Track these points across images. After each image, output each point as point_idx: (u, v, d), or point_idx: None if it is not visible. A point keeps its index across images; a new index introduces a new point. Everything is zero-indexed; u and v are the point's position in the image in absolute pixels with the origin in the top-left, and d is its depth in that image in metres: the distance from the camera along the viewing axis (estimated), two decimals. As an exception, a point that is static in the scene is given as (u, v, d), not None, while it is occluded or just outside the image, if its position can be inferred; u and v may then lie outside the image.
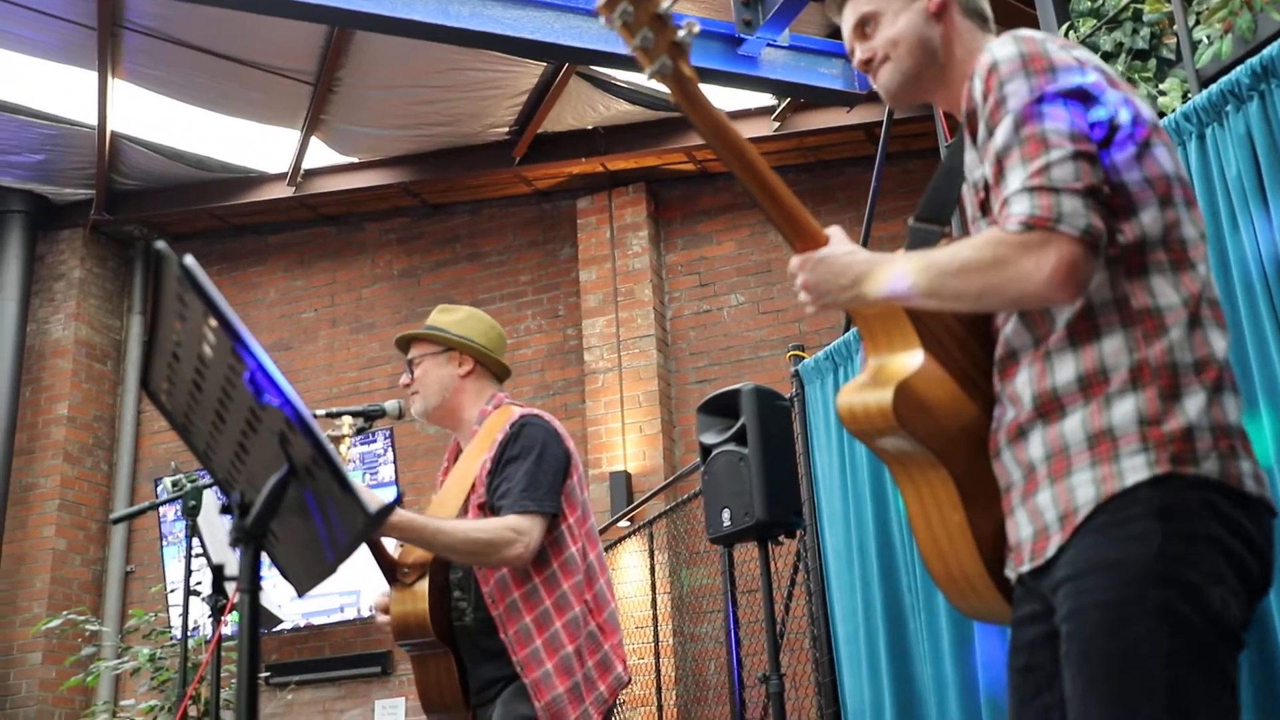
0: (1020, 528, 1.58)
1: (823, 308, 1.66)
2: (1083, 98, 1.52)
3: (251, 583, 1.49)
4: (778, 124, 7.36)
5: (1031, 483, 1.57)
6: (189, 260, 1.36)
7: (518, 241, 8.50)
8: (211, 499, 3.50)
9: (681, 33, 1.56)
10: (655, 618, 6.60)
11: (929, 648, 3.86)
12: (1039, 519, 1.55)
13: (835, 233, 1.66)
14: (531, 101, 7.41)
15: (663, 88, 1.60)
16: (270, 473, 1.47)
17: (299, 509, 1.49)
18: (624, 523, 7.09)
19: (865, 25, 1.81)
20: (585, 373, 7.85)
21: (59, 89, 7.47)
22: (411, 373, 2.89)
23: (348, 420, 2.85)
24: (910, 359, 1.62)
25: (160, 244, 1.43)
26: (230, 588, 3.01)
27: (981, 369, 1.67)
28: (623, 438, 7.55)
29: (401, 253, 8.75)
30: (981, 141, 1.59)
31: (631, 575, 6.96)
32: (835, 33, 6.73)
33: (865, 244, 4.47)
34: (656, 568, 6.76)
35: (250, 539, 1.50)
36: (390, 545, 2.76)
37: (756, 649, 5.37)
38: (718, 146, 1.62)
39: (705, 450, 4.39)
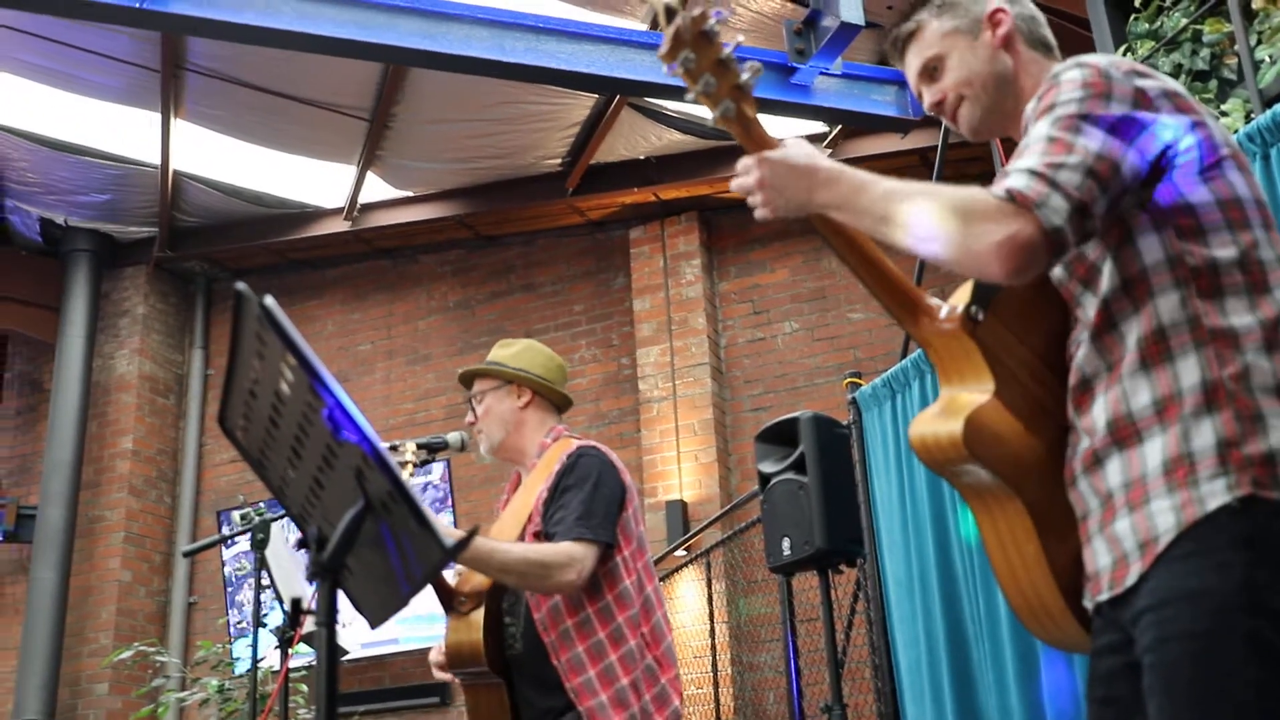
0: (1098, 556, 1.57)
1: (772, 213, 1.64)
2: (1130, 126, 1.52)
3: (329, 616, 1.51)
4: (830, 151, 7.36)
5: (1109, 511, 1.55)
6: (269, 300, 1.39)
7: (571, 272, 8.56)
8: (279, 532, 3.55)
9: (745, 75, 1.58)
10: (713, 647, 6.58)
11: (993, 677, 3.81)
12: (1118, 547, 1.53)
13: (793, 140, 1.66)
14: (584, 133, 7.48)
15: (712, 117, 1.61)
16: (346, 507, 1.49)
17: (374, 542, 1.51)
18: (681, 552, 7.07)
19: (932, 70, 1.82)
20: (640, 402, 7.87)
21: (123, 130, 7.65)
22: (474, 410, 2.91)
23: (410, 448, 2.86)
24: (982, 389, 1.62)
25: (241, 285, 1.46)
26: (300, 620, 3.04)
27: (1056, 397, 1.66)
28: (678, 466, 7.55)
29: (456, 284, 8.83)
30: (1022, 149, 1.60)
31: (689, 604, 6.94)
32: (887, 60, 6.73)
33: (921, 271, 4.49)
34: (714, 596, 6.73)
35: (327, 573, 1.52)
36: (447, 573, 2.78)
37: (815, 679, 5.33)
38: None
39: (764, 479, 4.38)
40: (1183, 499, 1.46)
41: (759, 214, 1.65)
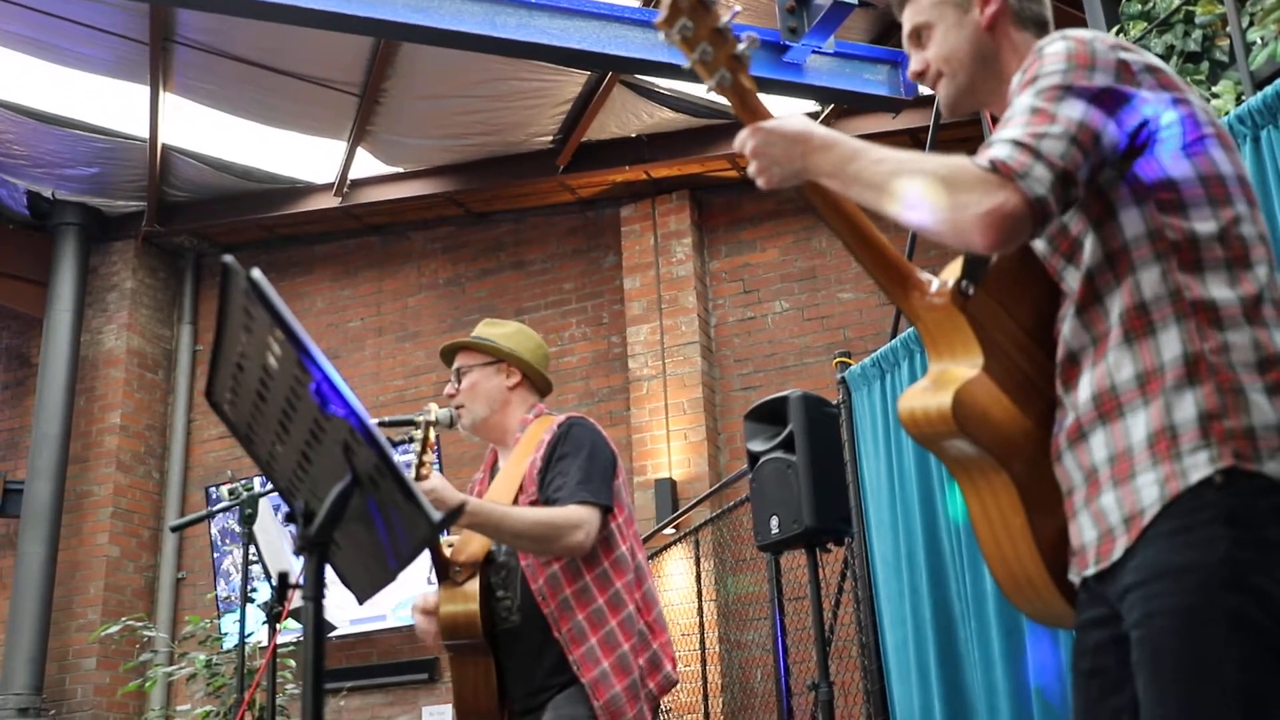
0: (1084, 531, 1.58)
1: (768, 182, 1.65)
2: (1111, 98, 1.53)
3: (316, 590, 1.51)
4: (821, 130, 7.33)
5: (1094, 486, 1.56)
6: (256, 273, 1.39)
7: (562, 249, 8.54)
8: (267, 507, 3.55)
9: (741, 45, 1.58)
10: (701, 625, 6.60)
11: (979, 655, 3.83)
12: (1103, 521, 1.54)
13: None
14: (575, 110, 7.45)
15: (705, 93, 1.62)
16: (334, 482, 1.49)
17: (362, 517, 1.51)
18: (669, 530, 7.09)
19: (920, 34, 1.82)
20: (629, 380, 7.87)
21: (112, 103, 7.61)
22: (458, 382, 2.91)
23: (433, 407, 2.82)
24: (971, 364, 1.63)
25: (228, 257, 1.45)
26: (288, 594, 3.04)
27: (1044, 373, 1.67)
28: (667, 445, 7.56)
29: (446, 262, 8.81)
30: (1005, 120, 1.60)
31: (677, 582, 6.96)
32: (880, 39, 6.71)
33: (912, 248, 4.48)
34: (702, 575, 6.75)
35: (315, 547, 1.52)
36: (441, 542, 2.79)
37: (802, 656, 5.35)
38: None
39: (753, 458, 4.38)
40: (1166, 472, 1.47)
41: (758, 184, 1.67)
